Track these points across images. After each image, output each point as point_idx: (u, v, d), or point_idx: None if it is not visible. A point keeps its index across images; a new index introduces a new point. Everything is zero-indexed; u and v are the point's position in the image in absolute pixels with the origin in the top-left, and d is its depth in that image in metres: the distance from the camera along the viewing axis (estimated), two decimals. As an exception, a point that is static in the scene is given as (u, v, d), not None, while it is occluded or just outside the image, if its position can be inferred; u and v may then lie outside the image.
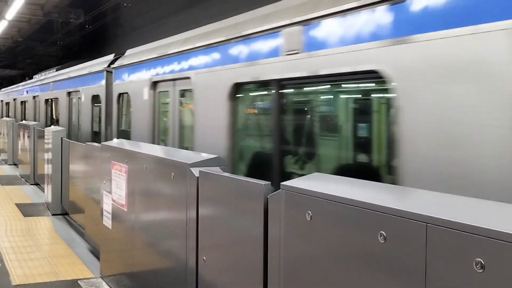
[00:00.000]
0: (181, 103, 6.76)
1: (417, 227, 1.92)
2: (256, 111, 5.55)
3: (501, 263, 1.63)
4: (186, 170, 3.69)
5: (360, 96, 4.31)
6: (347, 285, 2.27)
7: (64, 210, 9.02)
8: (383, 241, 2.06)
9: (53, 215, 9.08)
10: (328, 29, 4.04)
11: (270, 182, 2.92)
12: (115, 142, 5.79)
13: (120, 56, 9.50)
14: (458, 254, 1.77)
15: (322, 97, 4.73)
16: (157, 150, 4.69)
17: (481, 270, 1.69)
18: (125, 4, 21.78)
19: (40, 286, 5.44)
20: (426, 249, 1.89)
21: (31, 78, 21.36)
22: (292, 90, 4.83)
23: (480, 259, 1.69)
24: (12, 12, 17.22)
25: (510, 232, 1.62)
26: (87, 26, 21.85)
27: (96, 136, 10.27)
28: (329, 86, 4.52)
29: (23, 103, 20.21)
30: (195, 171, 3.60)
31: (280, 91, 4.67)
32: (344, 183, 2.74)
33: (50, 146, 9.35)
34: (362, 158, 4.12)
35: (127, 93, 8.45)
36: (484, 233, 1.68)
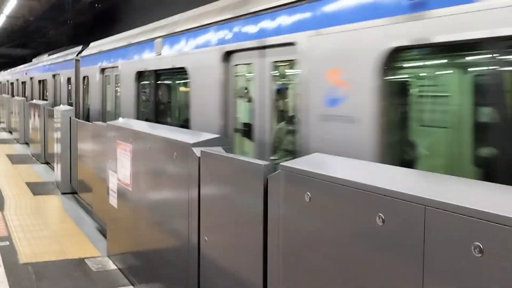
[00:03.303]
0: None
1: (415, 209, 1.87)
2: None
3: (500, 247, 1.58)
4: (188, 150, 3.66)
5: None
6: (345, 265, 2.23)
7: (73, 189, 9.07)
8: (382, 223, 2.02)
9: (62, 194, 9.13)
10: None
11: (270, 163, 2.88)
12: (120, 121, 5.77)
13: None
14: (456, 238, 1.72)
15: None
16: (160, 130, 4.65)
17: (479, 255, 1.64)
18: (135, -18, 21.61)
19: (48, 265, 5.48)
20: (424, 232, 1.84)
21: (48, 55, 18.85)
22: None
23: (478, 243, 1.64)
24: (22, -9, 17.16)
25: (509, 215, 1.56)
26: (96, 5, 21.75)
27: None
28: None
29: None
30: (197, 151, 3.56)
31: None
32: (344, 164, 2.68)
33: (59, 125, 9.38)
34: None
35: None
36: (483, 217, 1.63)
